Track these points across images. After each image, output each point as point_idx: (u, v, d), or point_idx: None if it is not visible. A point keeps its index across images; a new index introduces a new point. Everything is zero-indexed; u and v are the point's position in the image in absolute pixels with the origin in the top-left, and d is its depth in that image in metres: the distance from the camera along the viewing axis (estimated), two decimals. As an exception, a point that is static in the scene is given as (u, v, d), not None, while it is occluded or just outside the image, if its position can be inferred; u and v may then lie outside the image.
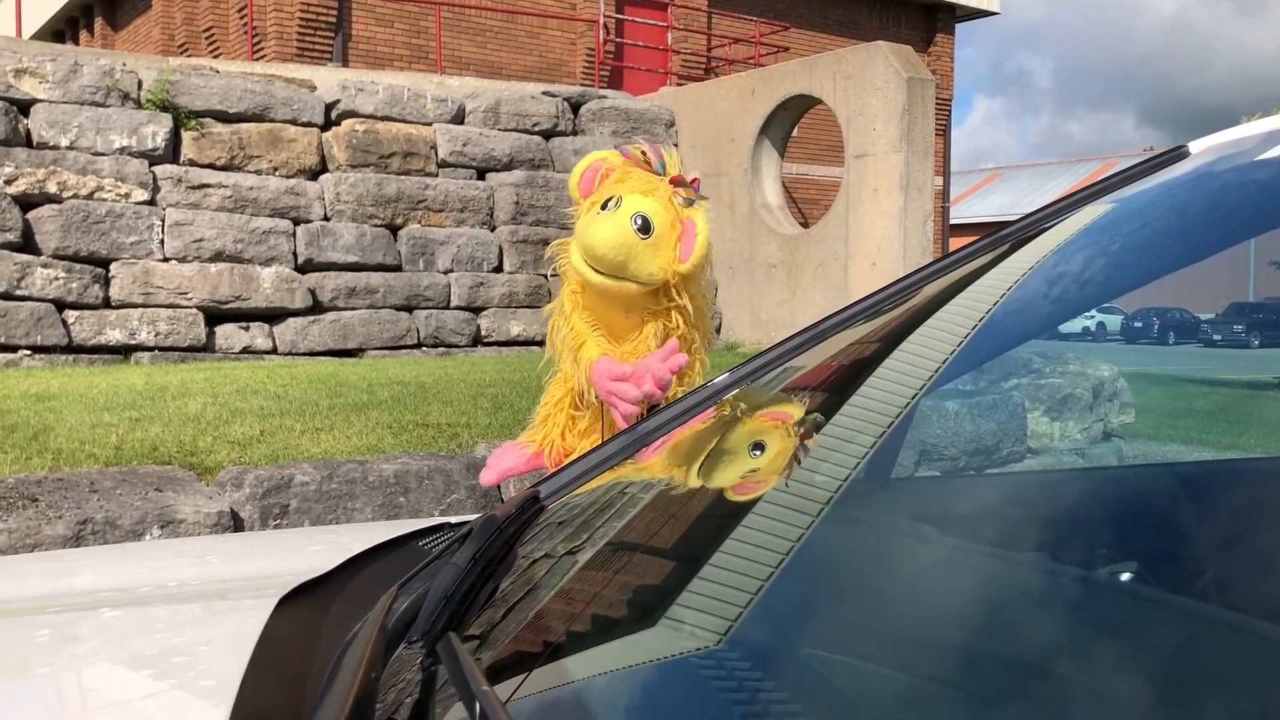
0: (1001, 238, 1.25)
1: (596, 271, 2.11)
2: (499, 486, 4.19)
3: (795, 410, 1.24)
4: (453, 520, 1.38)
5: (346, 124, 9.51)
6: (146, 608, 1.15)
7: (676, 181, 2.13)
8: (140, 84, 8.72)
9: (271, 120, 9.16)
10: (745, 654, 0.82)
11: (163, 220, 8.47)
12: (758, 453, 1.19)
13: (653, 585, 0.98)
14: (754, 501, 1.06)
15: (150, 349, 8.27)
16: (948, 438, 1.45)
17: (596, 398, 2.20)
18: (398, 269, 9.49)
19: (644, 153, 2.14)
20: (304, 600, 1.07)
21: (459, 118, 10.21)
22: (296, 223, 9.07)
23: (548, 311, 2.37)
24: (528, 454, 2.37)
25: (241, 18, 13.69)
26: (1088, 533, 1.02)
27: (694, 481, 1.16)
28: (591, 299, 2.24)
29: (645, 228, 2.06)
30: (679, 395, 2.20)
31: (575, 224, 2.17)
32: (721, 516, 1.07)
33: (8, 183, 7.90)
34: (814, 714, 0.75)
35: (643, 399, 2.08)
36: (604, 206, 2.08)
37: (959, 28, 20.15)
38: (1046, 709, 0.71)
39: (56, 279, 7.96)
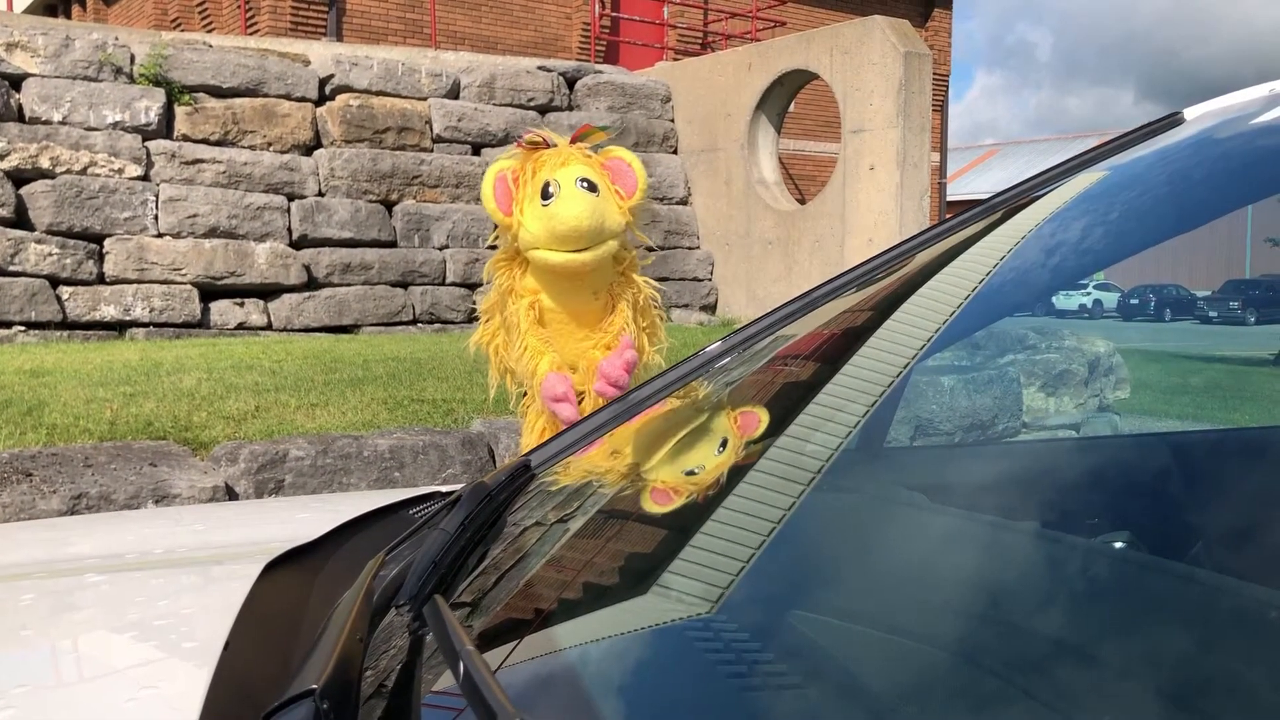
0: (993, 206, 1.24)
1: (575, 252, 2.16)
2: (493, 456, 4.19)
3: (786, 380, 1.23)
4: (443, 489, 1.38)
5: (341, 99, 9.46)
6: (132, 574, 1.15)
7: (576, 139, 2.25)
8: (133, 58, 8.66)
9: (265, 95, 9.11)
10: (735, 620, 0.82)
11: (156, 196, 8.43)
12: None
13: (643, 553, 0.98)
14: (746, 470, 1.06)
15: (145, 325, 8.25)
16: (940, 408, 1.45)
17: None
18: (393, 245, 9.45)
19: (531, 137, 2.26)
20: (291, 566, 1.07)
21: (454, 93, 10.16)
22: (291, 198, 9.04)
23: (477, 340, 2.42)
24: None
25: (235, -8, 13.59)
26: (1079, 501, 1.02)
27: (684, 451, 1.16)
28: (557, 297, 2.28)
29: (592, 187, 2.17)
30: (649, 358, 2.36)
31: (510, 236, 2.25)
32: (713, 485, 1.07)
33: (0, 158, 7.86)
34: (804, 679, 0.75)
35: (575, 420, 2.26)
36: (545, 196, 2.15)
37: (958, 1, 20.07)
38: (1035, 673, 0.71)
39: (50, 255, 7.93)
